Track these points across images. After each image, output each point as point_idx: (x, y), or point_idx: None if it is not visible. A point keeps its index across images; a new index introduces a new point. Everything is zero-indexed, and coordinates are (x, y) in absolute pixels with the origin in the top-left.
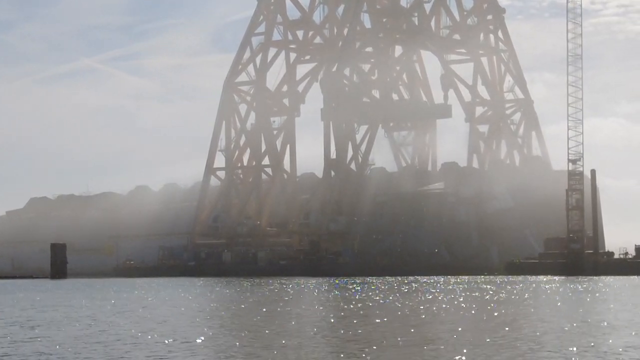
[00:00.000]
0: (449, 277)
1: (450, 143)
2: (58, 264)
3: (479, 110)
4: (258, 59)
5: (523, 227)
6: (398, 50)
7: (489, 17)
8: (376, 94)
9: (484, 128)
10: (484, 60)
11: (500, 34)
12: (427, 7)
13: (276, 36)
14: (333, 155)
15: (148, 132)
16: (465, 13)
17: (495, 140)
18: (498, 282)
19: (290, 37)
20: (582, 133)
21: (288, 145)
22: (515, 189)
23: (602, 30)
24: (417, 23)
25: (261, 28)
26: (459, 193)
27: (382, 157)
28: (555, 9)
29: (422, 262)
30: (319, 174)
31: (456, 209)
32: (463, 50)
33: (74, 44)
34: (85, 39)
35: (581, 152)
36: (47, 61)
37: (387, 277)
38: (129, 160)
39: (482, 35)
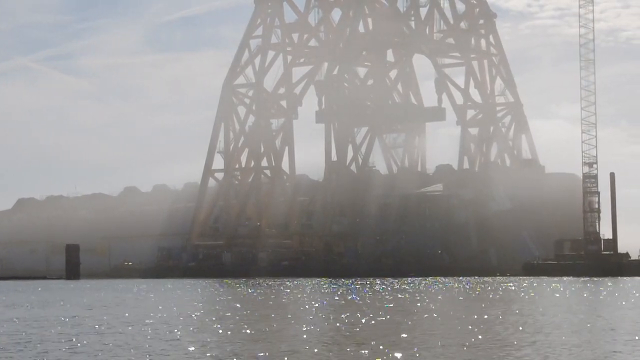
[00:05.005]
0: (484, 278)
1: (440, 146)
2: (72, 265)
3: (470, 113)
4: (257, 62)
5: (520, 229)
6: (389, 54)
7: (481, 21)
8: (372, 97)
9: (475, 131)
10: (475, 64)
11: (491, 38)
12: (423, 11)
13: (274, 39)
14: (333, 157)
15: (91, 132)
16: (459, 16)
17: (486, 143)
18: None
19: (286, 40)
20: (596, 136)
21: (286, 147)
22: (512, 191)
23: (538, 33)
24: (414, 27)
25: (259, 31)
26: (460, 195)
27: (374, 159)
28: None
29: (425, 263)
30: (313, 175)
31: (456, 210)
32: (457, 54)
33: (8, 42)
34: (19, 38)
35: (595, 155)
36: None
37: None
38: (83, 162)
39: (473, 39)
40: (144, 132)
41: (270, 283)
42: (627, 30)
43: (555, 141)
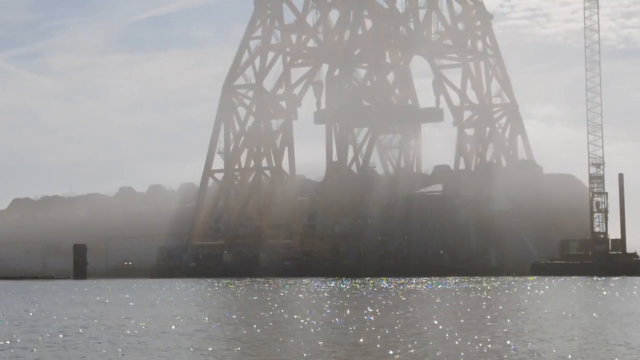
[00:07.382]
0: (499, 278)
1: (435, 147)
2: (80, 265)
3: (467, 114)
4: (257, 63)
5: (520, 230)
6: (387, 55)
7: (477, 23)
8: (372, 98)
9: (471, 132)
10: (472, 65)
11: (487, 39)
12: (421, 12)
13: (273, 40)
14: (334, 157)
15: (64, 132)
16: (456, 17)
17: (482, 144)
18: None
19: (285, 41)
20: (602, 137)
21: (286, 148)
22: (511, 191)
23: (510, 34)
24: (413, 28)
25: (258, 32)
26: (460, 195)
27: (373, 160)
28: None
29: (427, 263)
30: (313, 176)
31: (456, 211)
32: (454, 55)
33: None
34: None
35: (601, 155)
36: None
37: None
38: (71, 162)
39: (469, 40)
40: (118, 133)
41: (273, 282)
42: (600, 31)
43: (533, 142)
